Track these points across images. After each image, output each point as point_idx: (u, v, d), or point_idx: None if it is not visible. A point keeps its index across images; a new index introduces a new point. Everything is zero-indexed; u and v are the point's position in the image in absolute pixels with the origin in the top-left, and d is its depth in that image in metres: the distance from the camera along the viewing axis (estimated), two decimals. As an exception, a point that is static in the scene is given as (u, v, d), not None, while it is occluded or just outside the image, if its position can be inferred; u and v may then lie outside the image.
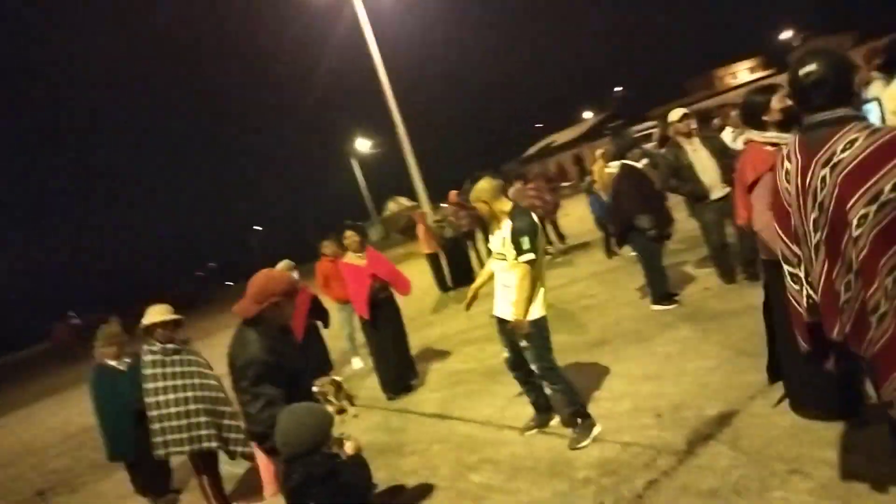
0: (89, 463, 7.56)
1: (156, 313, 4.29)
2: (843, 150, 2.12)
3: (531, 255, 3.76)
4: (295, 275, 7.38)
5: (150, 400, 4.13)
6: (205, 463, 4.26)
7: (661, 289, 6.30)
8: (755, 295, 5.69)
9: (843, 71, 2.26)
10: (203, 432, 4.13)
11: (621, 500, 3.17)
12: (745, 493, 2.89)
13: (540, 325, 3.90)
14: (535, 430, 4.30)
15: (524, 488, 3.60)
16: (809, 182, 2.22)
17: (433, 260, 12.04)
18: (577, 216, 15.32)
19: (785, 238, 2.39)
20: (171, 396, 4.13)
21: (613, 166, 9.51)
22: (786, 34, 49.14)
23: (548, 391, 4.17)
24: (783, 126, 3.36)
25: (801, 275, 2.34)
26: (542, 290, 3.92)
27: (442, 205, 14.06)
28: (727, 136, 6.73)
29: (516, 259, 3.82)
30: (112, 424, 4.42)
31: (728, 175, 6.01)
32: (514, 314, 3.86)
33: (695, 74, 53.16)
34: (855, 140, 2.10)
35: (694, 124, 6.26)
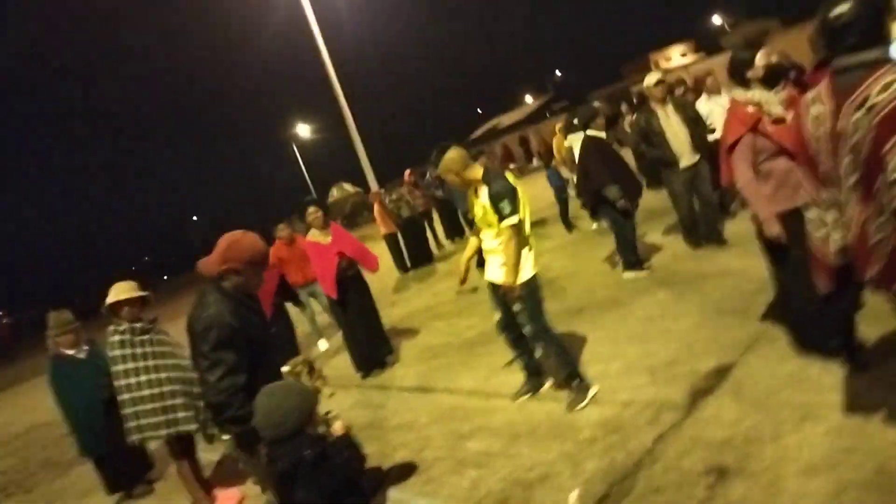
0: (41, 461, 7.13)
1: (121, 290, 3.99)
2: (878, 93, 2.07)
3: (514, 218, 3.65)
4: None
5: (120, 383, 3.84)
6: (182, 448, 4.00)
7: (633, 257, 6.32)
8: (725, 258, 5.83)
9: (877, 11, 2.21)
10: (181, 415, 3.87)
11: (631, 455, 3.12)
12: (759, 440, 2.88)
13: (532, 286, 3.81)
14: (527, 396, 4.22)
15: (526, 452, 3.52)
16: (842, 125, 2.18)
17: (391, 241, 11.84)
18: (532, 193, 15.32)
19: (811, 184, 2.36)
20: (143, 378, 3.85)
21: (573, 139, 9.57)
22: (716, 19, 50.70)
23: (540, 354, 4.08)
24: (767, 82, 3.37)
25: (829, 220, 2.32)
26: (531, 250, 3.82)
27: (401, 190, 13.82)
28: (702, 103, 6.80)
29: (500, 224, 3.70)
30: (79, 417, 4.10)
31: (699, 143, 6.07)
32: (505, 278, 3.75)
33: (630, 58, 54.19)
34: (891, 83, 2.06)
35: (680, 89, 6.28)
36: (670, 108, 6.11)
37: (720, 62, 21.01)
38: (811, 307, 3.06)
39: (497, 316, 4.12)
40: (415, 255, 11.95)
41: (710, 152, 5.98)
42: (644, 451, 3.12)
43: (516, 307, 3.81)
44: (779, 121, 3.19)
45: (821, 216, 2.36)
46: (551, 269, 7.91)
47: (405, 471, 3.81)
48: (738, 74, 3.45)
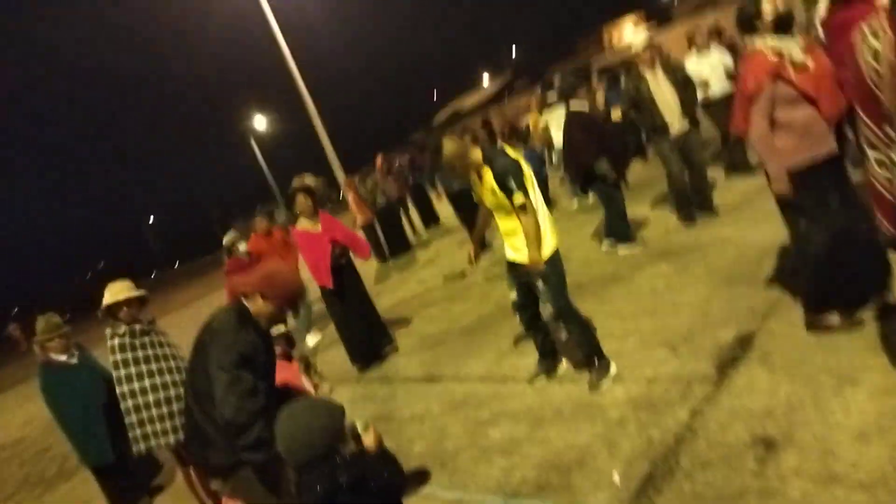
0: (20, 480, 6.81)
1: (118, 291, 3.75)
2: None
3: (522, 196, 3.51)
4: (241, 247, 6.86)
5: (123, 389, 3.61)
6: (189, 455, 3.78)
7: (626, 231, 6.26)
8: (719, 227, 5.80)
9: None
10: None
11: (668, 431, 3.04)
12: (800, 408, 2.82)
13: (554, 263, 3.70)
14: (543, 378, 4.12)
15: (555, 436, 3.41)
16: None
17: (369, 231, 11.56)
18: None
19: (872, 122, 2.27)
20: (148, 383, 3.63)
21: (549, 115, 9.46)
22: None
23: (563, 334, 3.96)
24: (778, 30, 3.28)
25: (894, 157, 2.23)
26: (549, 224, 3.70)
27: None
28: (692, 61, 6.73)
29: (512, 204, 3.56)
30: (79, 426, 3.84)
31: (689, 109, 6.00)
32: (527, 257, 3.63)
33: (583, 32, 54.45)
34: None
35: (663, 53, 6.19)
36: (660, 72, 6.00)
37: (674, 35, 21.22)
38: (834, 264, 3.01)
39: (512, 296, 3.99)
40: (393, 243, 11.74)
41: (706, 108, 5.90)
42: (682, 426, 3.04)
43: (540, 285, 3.69)
44: (801, 68, 3.10)
45: (884, 156, 2.27)
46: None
47: (427, 463, 3.67)
48: (748, 25, 3.36)
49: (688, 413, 3.12)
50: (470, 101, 44.76)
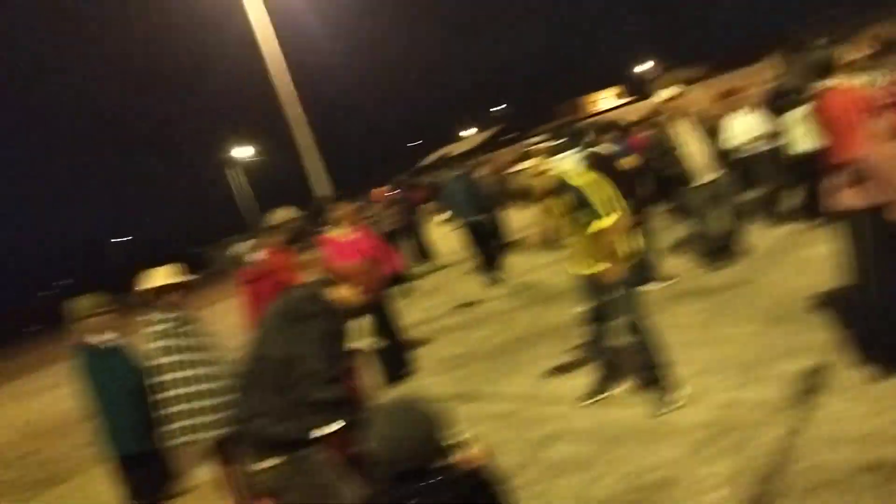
0: (6, 484, 6.33)
1: (163, 275, 3.50)
2: None
3: (603, 219, 3.53)
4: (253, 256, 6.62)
5: (165, 378, 3.34)
6: (228, 452, 3.49)
7: (656, 269, 6.23)
8: (747, 271, 5.80)
9: None
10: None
11: (763, 454, 2.91)
12: (907, 435, 2.73)
13: (630, 273, 3.63)
14: (599, 398, 3.97)
15: (634, 455, 3.25)
16: None
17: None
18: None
19: None
20: (191, 373, 3.36)
21: (559, 161, 9.59)
22: (645, 66, 53.41)
23: (629, 350, 3.83)
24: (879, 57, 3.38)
25: None
26: (628, 240, 3.65)
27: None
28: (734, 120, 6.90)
29: (593, 224, 3.58)
30: (118, 413, 3.48)
31: (717, 158, 6.08)
32: (607, 268, 3.56)
33: (563, 100, 56.65)
34: None
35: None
36: (686, 124, 6.09)
37: (647, 105, 22.13)
38: None
39: (583, 307, 3.89)
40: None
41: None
42: (779, 450, 2.91)
43: (616, 293, 3.59)
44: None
45: None
46: (555, 281, 7.74)
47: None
48: (823, 69, 3.44)
49: (780, 437, 3.00)
50: (458, 148, 45.70)
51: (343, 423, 2.58)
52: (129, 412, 3.48)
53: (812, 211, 6.67)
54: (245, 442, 2.74)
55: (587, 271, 3.72)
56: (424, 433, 1.79)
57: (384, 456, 1.77)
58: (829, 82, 3.36)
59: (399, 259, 5.90)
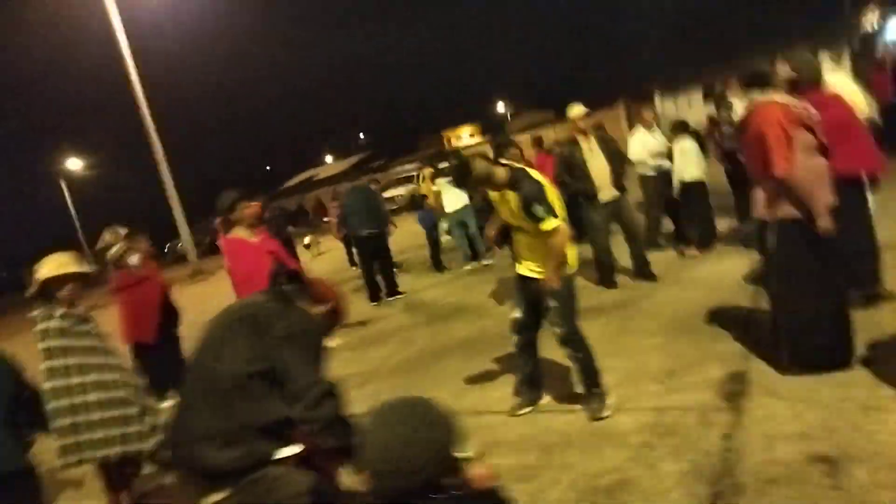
0: None
1: (62, 264, 2.94)
2: None
3: (551, 221, 3.39)
4: (133, 259, 5.94)
5: (56, 384, 2.76)
6: (125, 476, 2.95)
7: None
8: (641, 289, 6.06)
9: None
10: (133, 429, 2.86)
11: (710, 454, 2.94)
12: (840, 430, 2.87)
13: (570, 283, 3.56)
14: (528, 409, 3.87)
15: (577, 461, 3.17)
16: None
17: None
18: (405, 230, 14.62)
19: None
20: (89, 379, 2.82)
21: (442, 184, 9.71)
22: (499, 107, 56.82)
23: (570, 360, 3.75)
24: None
25: None
26: (571, 247, 3.58)
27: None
28: (638, 138, 7.24)
29: (538, 227, 3.42)
30: None
31: (619, 179, 6.34)
32: (547, 274, 3.47)
33: (425, 133, 58.50)
34: None
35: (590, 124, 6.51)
36: (593, 140, 6.32)
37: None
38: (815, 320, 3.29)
39: (516, 314, 3.78)
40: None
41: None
42: (721, 449, 2.96)
43: (552, 304, 3.51)
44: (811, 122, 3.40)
45: None
46: (446, 301, 7.65)
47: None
48: (760, 82, 3.69)
49: (719, 438, 3.06)
50: (325, 172, 45.29)
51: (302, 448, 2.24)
52: (9, 423, 2.84)
53: (686, 237, 7.19)
54: (182, 471, 2.28)
55: (531, 274, 3.63)
56: (438, 440, 1.44)
57: (385, 468, 1.42)
58: (764, 96, 3.57)
59: (301, 268, 5.49)
